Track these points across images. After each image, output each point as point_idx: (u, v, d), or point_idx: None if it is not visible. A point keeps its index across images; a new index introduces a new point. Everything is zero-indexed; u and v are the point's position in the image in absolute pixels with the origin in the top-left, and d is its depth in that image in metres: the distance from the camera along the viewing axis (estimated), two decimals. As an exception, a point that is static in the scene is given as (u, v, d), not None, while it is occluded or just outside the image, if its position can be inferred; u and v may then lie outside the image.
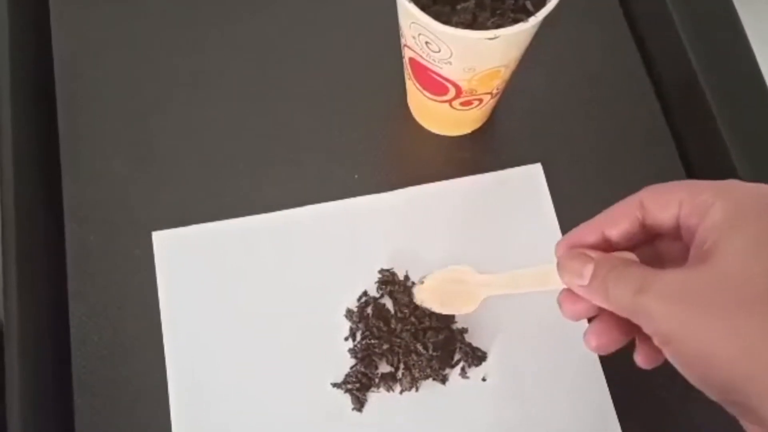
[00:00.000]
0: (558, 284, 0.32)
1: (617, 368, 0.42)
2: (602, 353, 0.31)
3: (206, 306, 0.43)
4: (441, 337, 0.42)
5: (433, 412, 0.41)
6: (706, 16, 0.47)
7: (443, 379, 0.42)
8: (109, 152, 0.47)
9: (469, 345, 0.42)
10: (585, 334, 0.31)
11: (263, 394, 0.42)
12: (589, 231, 0.31)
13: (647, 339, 0.28)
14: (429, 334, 0.42)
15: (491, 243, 0.45)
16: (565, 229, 0.45)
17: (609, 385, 0.42)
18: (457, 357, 0.42)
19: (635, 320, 0.28)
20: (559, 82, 0.49)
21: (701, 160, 0.47)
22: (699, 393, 0.27)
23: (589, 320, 0.32)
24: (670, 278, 0.27)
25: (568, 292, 0.32)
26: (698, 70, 0.46)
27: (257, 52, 0.49)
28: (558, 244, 0.32)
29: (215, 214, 0.45)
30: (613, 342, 0.31)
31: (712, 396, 0.26)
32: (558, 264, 0.32)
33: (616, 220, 0.30)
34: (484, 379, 0.42)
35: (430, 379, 0.42)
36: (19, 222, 0.44)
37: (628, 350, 0.31)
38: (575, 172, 0.47)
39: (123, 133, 0.47)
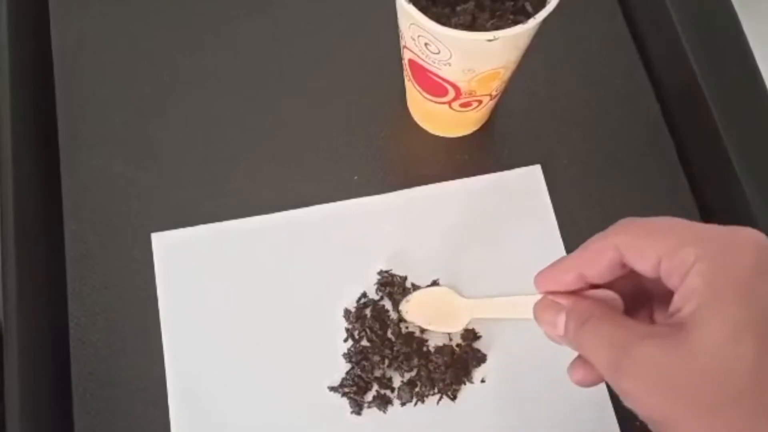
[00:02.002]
0: None
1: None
2: (586, 387, 0.30)
3: (205, 307, 0.43)
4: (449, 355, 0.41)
5: (432, 414, 0.41)
6: (706, 16, 0.47)
7: (454, 395, 0.41)
8: (109, 152, 0.47)
9: (469, 346, 0.42)
10: (569, 368, 0.30)
11: (262, 395, 0.42)
12: (565, 269, 0.30)
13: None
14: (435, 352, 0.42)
15: (490, 245, 0.45)
16: (564, 230, 0.45)
17: (608, 386, 0.42)
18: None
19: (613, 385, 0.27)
20: (559, 83, 0.49)
21: (700, 161, 0.47)
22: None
23: None
24: (648, 360, 0.25)
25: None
26: (698, 71, 0.46)
27: (257, 52, 0.49)
28: (536, 280, 0.31)
29: (214, 215, 0.45)
30: (597, 379, 0.29)
31: None
32: (534, 313, 0.31)
33: (593, 260, 0.29)
34: (483, 381, 0.42)
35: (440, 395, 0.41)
36: (19, 222, 0.44)
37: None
38: (575, 173, 0.47)
39: (123, 133, 0.47)
